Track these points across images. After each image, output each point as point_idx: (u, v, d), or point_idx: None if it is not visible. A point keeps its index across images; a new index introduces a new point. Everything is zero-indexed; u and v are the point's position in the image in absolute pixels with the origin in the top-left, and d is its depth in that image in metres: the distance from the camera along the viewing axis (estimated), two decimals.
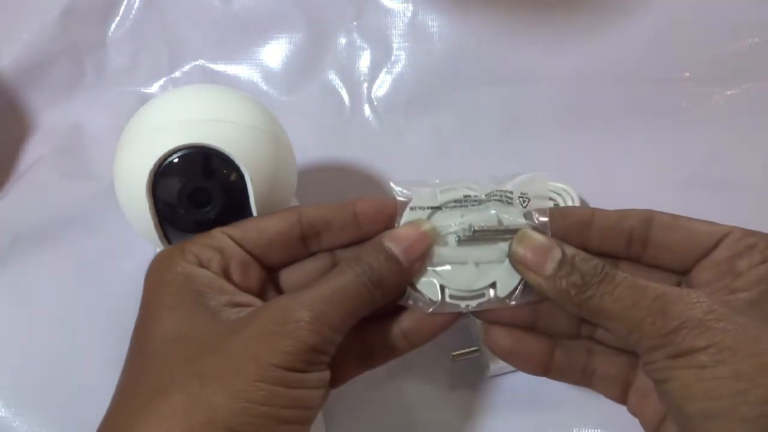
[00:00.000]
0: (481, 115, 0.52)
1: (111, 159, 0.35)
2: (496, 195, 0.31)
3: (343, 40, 0.55)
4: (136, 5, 0.55)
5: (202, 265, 0.28)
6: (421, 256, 0.29)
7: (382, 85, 0.54)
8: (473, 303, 0.29)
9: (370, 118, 0.53)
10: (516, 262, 0.29)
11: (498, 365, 0.39)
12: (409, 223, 0.30)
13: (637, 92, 0.52)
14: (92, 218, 0.47)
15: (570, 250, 0.27)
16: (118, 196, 0.35)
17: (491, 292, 0.29)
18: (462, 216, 0.30)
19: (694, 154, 0.50)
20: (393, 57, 0.54)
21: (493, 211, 0.30)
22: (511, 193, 0.31)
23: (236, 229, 0.30)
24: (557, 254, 0.27)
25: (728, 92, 0.52)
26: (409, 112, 0.53)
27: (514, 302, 0.29)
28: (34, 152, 0.52)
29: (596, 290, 0.26)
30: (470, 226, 0.30)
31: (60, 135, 0.53)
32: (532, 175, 0.31)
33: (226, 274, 0.28)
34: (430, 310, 0.29)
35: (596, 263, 0.27)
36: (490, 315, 0.30)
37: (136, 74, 0.55)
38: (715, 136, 0.50)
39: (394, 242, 0.28)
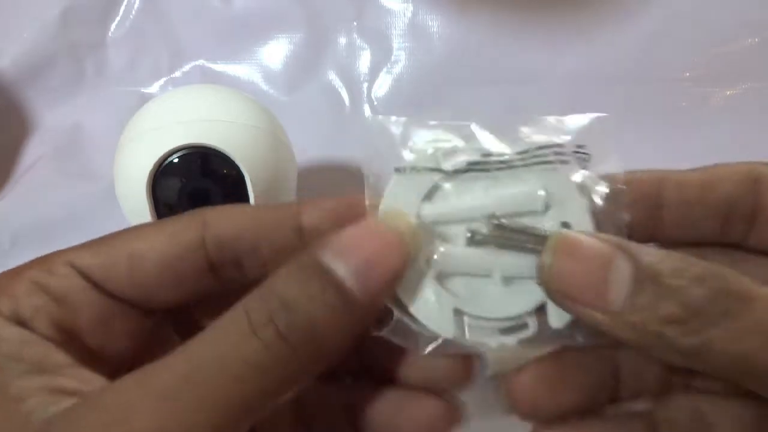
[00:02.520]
0: (480, 115, 0.52)
1: (111, 159, 0.35)
2: (536, 154, 0.21)
3: (343, 40, 0.55)
4: (136, 5, 0.55)
5: (19, 321, 0.17)
6: (391, 281, 0.18)
7: (382, 85, 0.54)
8: (509, 339, 0.19)
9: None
10: (554, 293, 0.18)
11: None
12: (374, 219, 0.19)
13: (636, 92, 0.52)
14: (92, 218, 0.47)
15: (649, 257, 0.17)
16: (118, 196, 0.35)
17: (534, 322, 0.20)
18: (486, 191, 0.21)
19: (693, 154, 0.50)
20: (393, 57, 0.54)
21: (541, 191, 0.20)
22: (562, 147, 0.20)
23: (94, 257, 0.19)
24: (625, 269, 0.17)
25: (728, 92, 0.52)
26: (409, 112, 0.53)
27: (581, 339, 0.20)
28: (34, 152, 0.53)
29: (718, 326, 0.16)
30: (490, 216, 0.20)
31: (60, 135, 0.53)
32: (591, 117, 0.21)
33: (66, 335, 0.18)
34: (432, 347, 0.19)
35: (711, 275, 0.16)
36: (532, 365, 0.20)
37: (136, 74, 0.55)
38: (714, 136, 0.50)
39: (341, 256, 0.17)
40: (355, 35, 0.55)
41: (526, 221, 0.20)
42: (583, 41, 0.53)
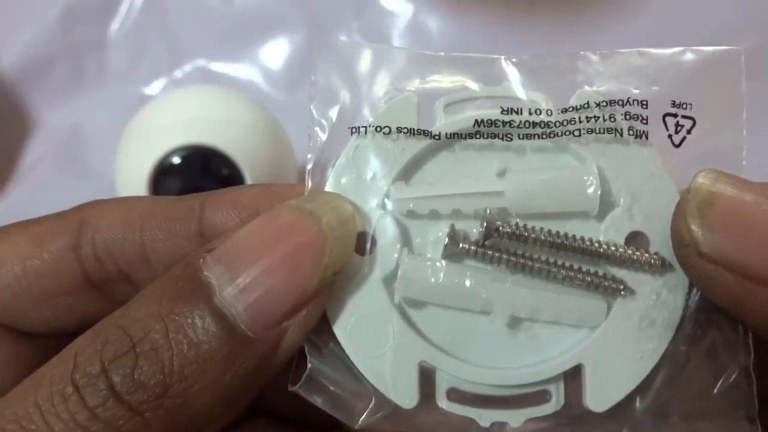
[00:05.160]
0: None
1: (111, 159, 0.35)
2: (595, 115, 0.13)
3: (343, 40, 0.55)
4: (136, 5, 0.55)
5: None
6: (301, 308, 0.12)
7: None
8: (512, 416, 0.13)
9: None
10: (706, 266, 0.13)
11: None
12: (287, 209, 0.12)
13: None
14: None
15: None
16: (118, 196, 0.35)
17: (559, 391, 0.13)
18: (500, 172, 0.14)
19: None
20: None
21: (594, 179, 0.13)
22: (644, 105, 0.13)
23: None
24: None
25: None
26: None
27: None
28: (35, 152, 0.53)
29: None
30: (497, 214, 0.13)
31: (60, 135, 0.53)
32: (705, 52, 0.14)
33: None
34: (371, 418, 0.13)
35: None
36: None
37: (136, 74, 0.55)
38: None
39: (227, 268, 0.11)
40: (355, 35, 0.55)
41: (562, 228, 0.13)
42: (583, 41, 0.53)
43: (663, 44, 0.57)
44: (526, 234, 0.13)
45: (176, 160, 0.33)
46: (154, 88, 0.55)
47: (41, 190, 0.50)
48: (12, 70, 0.53)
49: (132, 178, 0.33)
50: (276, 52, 0.55)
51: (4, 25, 0.53)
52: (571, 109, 0.13)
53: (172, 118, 0.34)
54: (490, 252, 0.13)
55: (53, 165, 0.51)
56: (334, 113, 0.14)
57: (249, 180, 0.33)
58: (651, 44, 0.55)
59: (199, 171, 0.33)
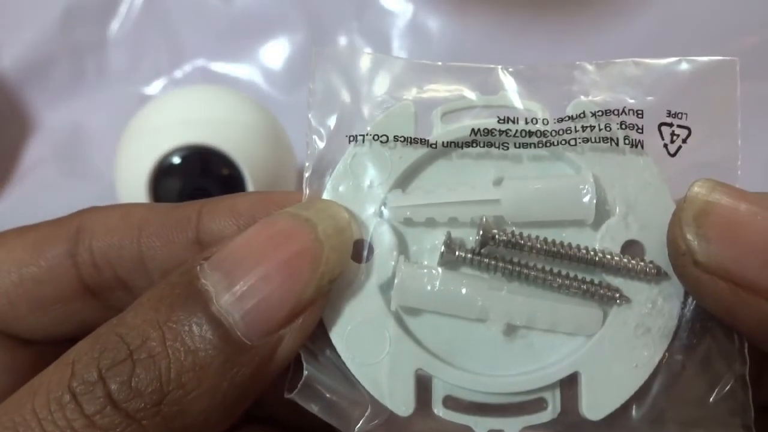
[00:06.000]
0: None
1: (111, 159, 0.35)
2: (590, 124, 0.13)
3: (343, 40, 0.55)
4: (136, 5, 0.55)
5: None
6: (297, 315, 0.12)
7: None
8: (508, 424, 0.13)
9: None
10: (701, 276, 0.13)
11: None
12: (284, 217, 0.12)
13: None
14: None
15: None
16: (118, 196, 0.35)
17: (556, 399, 0.13)
18: (497, 181, 0.14)
19: None
20: None
21: (590, 187, 0.13)
22: (640, 114, 0.13)
23: None
24: None
25: None
26: None
27: None
28: (35, 152, 0.53)
29: None
30: (494, 222, 0.13)
31: (60, 135, 0.53)
32: (699, 62, 0.14)
33: None
34: (368, 426, 0.13)
35: None
36: None
37: (136, 74, 0.55)
38: None
39: (224, 275, 0.11)
40: (355, 35, 0.55)
41: (558, 236, 0.13)
42: (583, 41, 0.53)
43: (663, 44, 0.57)
44: (522, 242, 0.13)
45: (176, 160, 0.33)
46: (154, 88, 0.55)
47: (41, 190, 0.50)
48: (12, 70, 0.53)
49: (132, 178, 0.33)
50: (276, 52, 0.55)
51: (4, 25, 0.53)
52: (567, 118, 0.14)
53: (172, 118, 0.34)
54: (486, 260, 0.13)
55: (53, 165, 0.52)
56: (332, 121, 0.15)
57: (249, 180, 0.33)
58: (652, 44, 0.55)
59: (199, 171, 0.33)
